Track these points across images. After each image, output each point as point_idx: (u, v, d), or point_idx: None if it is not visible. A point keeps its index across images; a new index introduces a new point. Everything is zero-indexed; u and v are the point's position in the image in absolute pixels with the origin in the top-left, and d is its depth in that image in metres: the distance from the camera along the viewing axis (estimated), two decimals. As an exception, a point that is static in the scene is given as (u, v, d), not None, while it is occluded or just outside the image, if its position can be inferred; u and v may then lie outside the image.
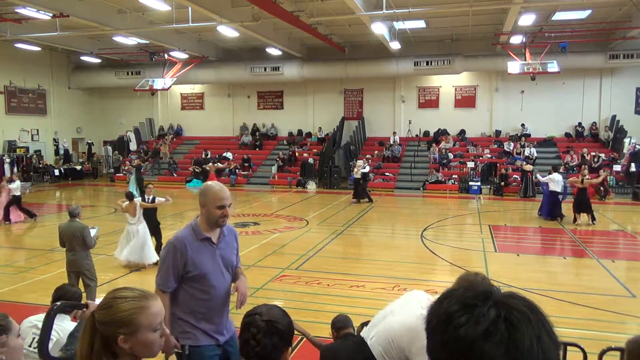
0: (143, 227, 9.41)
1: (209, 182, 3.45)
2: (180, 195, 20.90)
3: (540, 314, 0.94)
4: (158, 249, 9.42)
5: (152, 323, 1.69)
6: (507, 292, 0.98)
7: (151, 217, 9.79)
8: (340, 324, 3.90)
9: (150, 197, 9.81)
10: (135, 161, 19.49)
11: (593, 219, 13.74)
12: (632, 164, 19.35)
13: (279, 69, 24.39)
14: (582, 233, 12.94)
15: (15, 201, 14.26)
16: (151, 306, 1.72)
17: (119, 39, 20.39)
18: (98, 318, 1.66)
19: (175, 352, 3.15)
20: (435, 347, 0.96)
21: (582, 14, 17.85)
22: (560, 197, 14.69)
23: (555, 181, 14.69)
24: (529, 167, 19.78)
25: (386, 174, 22.75)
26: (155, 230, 9.90)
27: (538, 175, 16.60)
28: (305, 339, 3.76)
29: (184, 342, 3.23)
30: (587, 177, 14.10)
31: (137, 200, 9.54)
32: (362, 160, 19.40)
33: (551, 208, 14.64)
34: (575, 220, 13.83)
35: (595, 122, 23.13)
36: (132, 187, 18.01)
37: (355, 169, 18.21)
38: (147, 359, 1.75)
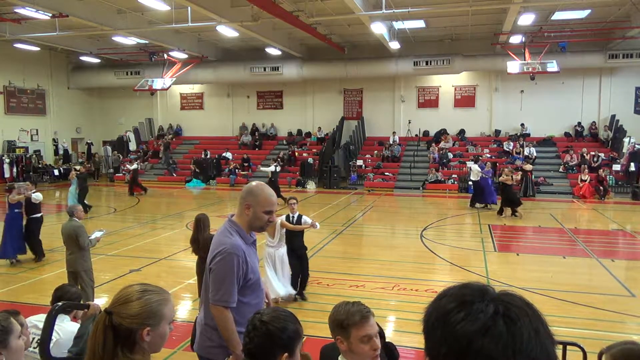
0: (283, 252, 7.50)
1: (260, 183, 3.27)
2: (180, 195, 20.91)
3: (536, 309, 0.95)
4: (303, 280, 7.60)
5: (172, 315, 1.77)
6: (501, 290, 0.98)
7: (295, 240, 7.63)
8: None
9: (296, 215, 7.60)
10: (80, 168, 17.23)
11: (514, 212, 14.98)
12: (632, 164, 19.37)
13: (278, 69, 24.39)
14: (581, 232, 12.96)
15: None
16: (171, 299, 1.80)
17: (119, 39, 20.38)
18: (121, 312, 1.69)
19: None
20: (434, 344, 0.96)
21: (582, 14, 17.86)
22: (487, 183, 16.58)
23: (474, 172, 16.44)
24: (528, 167, 19.81)
25: (386, 173, 22.75)
26: (299, 257, 7.64)
27: (485, 169, 17.66)
28: (305, 338, 3.74)
29: None
30: (506, 175, 15.48)
31: (279, 218, 7.48)
32: (272, 160, 20.17)
33: (480, 195, 16.39)
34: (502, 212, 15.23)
35: (594, 122, 23.15)
36: (71, 201, 15.26)
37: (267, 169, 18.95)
38: (152, 355, 1.79)
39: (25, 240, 9.83)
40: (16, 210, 9.86)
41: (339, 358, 2.35)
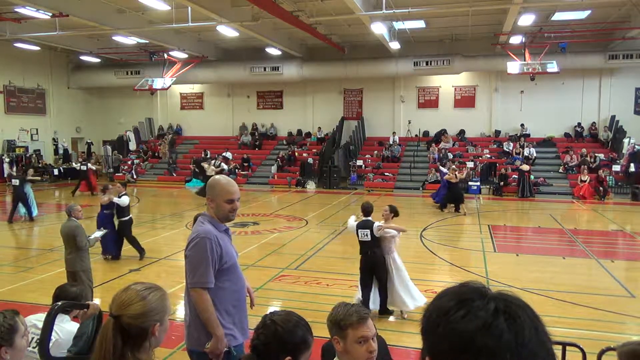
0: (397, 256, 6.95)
1: (217, 176, 3.44)
2: (179, 195, 20.90)
3: (533, 309, 0.96)
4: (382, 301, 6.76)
5: (171, 308, 1.80)
6: (499, 290, 0.99)
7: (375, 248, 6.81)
8: None
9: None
10: (29, 171, 15.56)
11: (457, 209, 15.72)
12: (631, 164, 19.37)
13: (278, 69, 24.39)
14: (581, 233, 12.96)
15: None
16: (166, 293, 1.87)
17: (119, 38, 20.39)
18: (128, 313, 1.73)
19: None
20: (434, 343, 0.96)
21: (582, 14, 17.85)
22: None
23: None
24: (525, 167, 19.83)
25: (386, 173, 22.76)
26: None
27: (440, 167, 17.83)
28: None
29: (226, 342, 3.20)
30: (462, 174, 16.75)
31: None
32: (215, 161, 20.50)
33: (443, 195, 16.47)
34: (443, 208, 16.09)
35: (594, 122, 23.15)
36: (23, 209, 14.16)
37: (211, 168, 18.92)
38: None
39: (116, 243, 9.85)
40: (106, 212, 9.90)
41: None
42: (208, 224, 3.21)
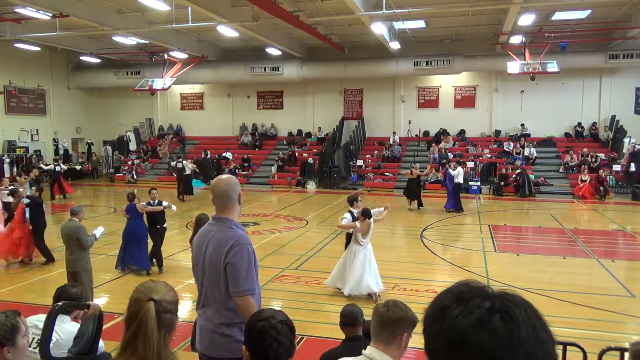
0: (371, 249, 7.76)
1: (229, 175, 3.44)
2: (180, 195, 20.86)
3: (535, 308, 0.95)
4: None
5: None
6: (500, 290, 0.98)
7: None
8: (346, 319, 3.46)
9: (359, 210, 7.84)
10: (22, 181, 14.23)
11: (420, 205, 16.47)
12: (632, 164, 19.36)
13: (278, 69, 24.39)
14: (581, 233, 12.95)
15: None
16: None
17: (119, 38, 20.38)
18: (168, 298, 1.79)
19: None
20: (432, 340, 0.96)
21: (582, 14, 17.86)
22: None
23: (461, 174, 16.62)
24: (518, 168, 19.98)
25: (386, 173, 22.75)
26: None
27: (450, 170, 17.21)
28: (305, 338, 3.73)
29: None
30: (417, 170, 16.96)
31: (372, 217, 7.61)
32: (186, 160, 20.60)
33: (456, 200, 16.21)
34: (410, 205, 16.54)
35: (595, 122, 23.14)
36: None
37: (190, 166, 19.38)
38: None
39: (148, 252, 9.09)
40: (137, 221, 9.01)
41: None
42: (238, 228, 3.16)
